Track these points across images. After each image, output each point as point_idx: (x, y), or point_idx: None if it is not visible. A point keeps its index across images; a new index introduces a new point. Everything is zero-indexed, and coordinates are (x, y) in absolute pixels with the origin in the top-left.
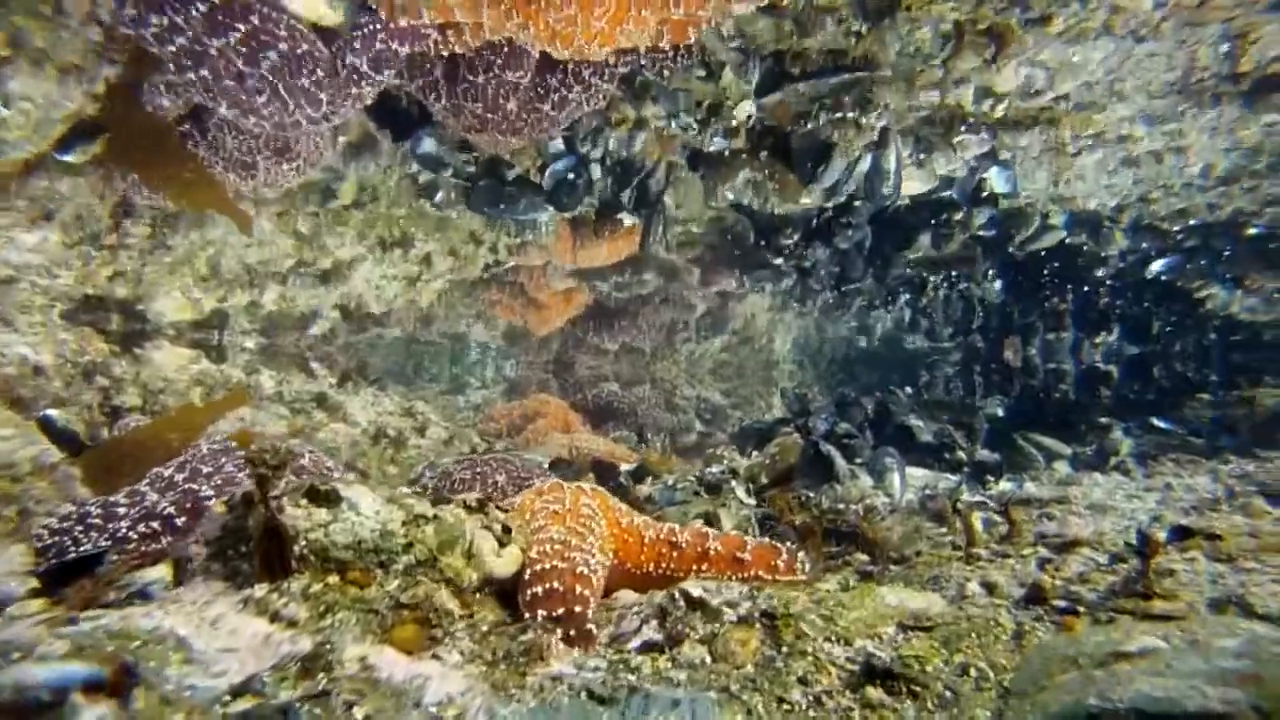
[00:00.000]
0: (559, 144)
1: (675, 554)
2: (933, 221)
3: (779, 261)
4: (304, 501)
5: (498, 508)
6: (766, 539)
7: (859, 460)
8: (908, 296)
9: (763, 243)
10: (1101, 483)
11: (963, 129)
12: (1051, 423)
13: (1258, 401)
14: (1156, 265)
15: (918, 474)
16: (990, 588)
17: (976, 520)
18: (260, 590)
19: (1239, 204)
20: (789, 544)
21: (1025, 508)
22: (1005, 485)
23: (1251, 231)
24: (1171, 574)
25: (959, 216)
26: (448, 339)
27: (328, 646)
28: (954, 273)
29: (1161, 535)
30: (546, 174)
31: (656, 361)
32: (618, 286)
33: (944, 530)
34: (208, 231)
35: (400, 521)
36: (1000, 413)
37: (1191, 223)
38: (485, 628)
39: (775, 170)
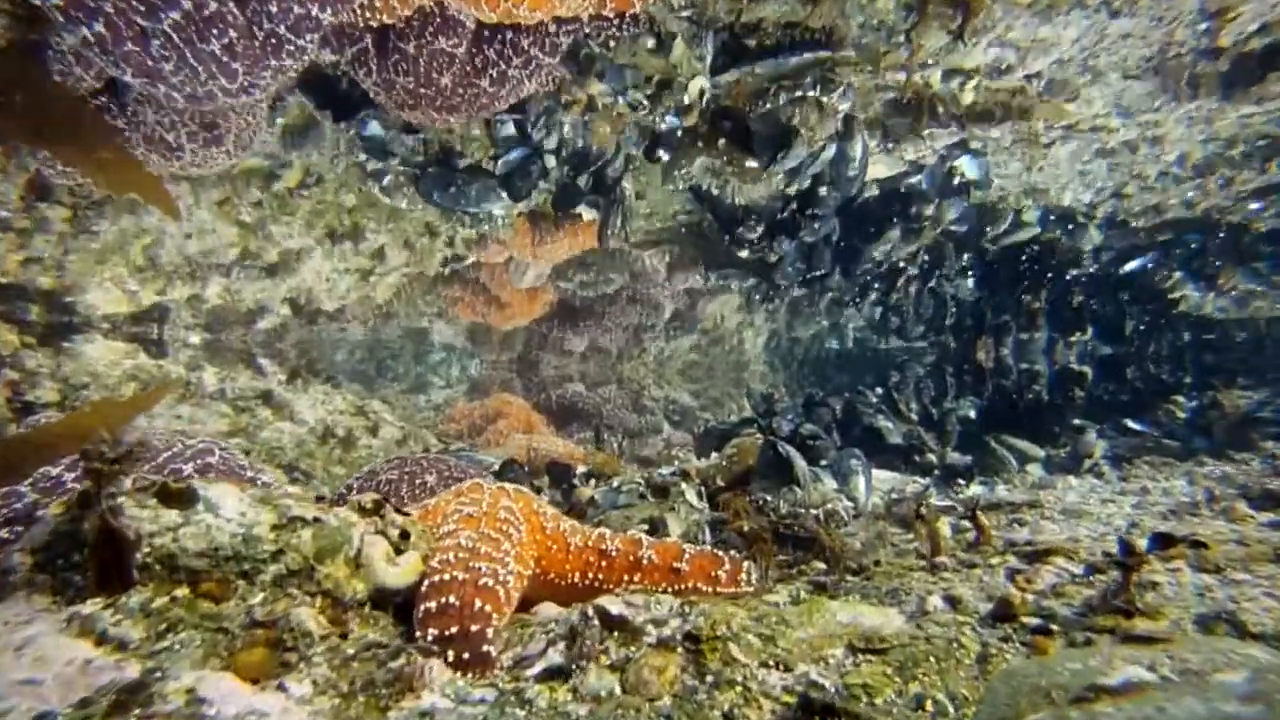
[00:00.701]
0: (510, 129)
1: (604, 563)
2: (901, 214)
3: (744, 254)
4: (152, 502)
5: (398, 510)
6: (709, 547)
7: (823, 462)
8: (878, 294)
9: (726, 236)
10: (1076, 486)
11: (932, 123)
12: (1025, 424)
13: (1230, 402)
14: (1131, 264)
15: (885, 477)
16: (954, 602)
17: (943, 526)
18: (90, 606)
19: (1214, 200)
20: (732, 552)
21: (996, 512)
22: (976, 488)
23: (1226, 225)
24: (1155, 587)
25: (930, 211)
26: (408, 336)
27: (158, 674)
28: (926, 268)
29: (1143, 544)
30: (499, 162)
31: (624, 361)
32: (584, 284)
33: (909, 536)
34: (142, 219)
35: (270, 525)
36: (973, 414)
37: (1168, 208)
38: (351, 651)
39: (734, 157)
